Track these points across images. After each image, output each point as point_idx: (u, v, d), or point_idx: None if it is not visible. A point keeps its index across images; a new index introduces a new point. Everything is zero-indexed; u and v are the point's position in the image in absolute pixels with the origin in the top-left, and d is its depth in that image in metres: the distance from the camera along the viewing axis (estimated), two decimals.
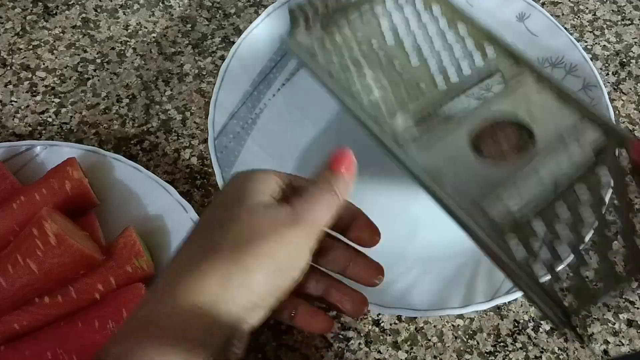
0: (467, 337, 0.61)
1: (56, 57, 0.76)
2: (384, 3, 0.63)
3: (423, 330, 0.62)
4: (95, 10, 0.79)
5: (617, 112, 0.73)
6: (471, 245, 0.63)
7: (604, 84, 0.74)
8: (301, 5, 0.63)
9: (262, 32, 0.70)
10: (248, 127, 0.67)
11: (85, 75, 0.74)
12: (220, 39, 0.77)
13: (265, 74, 0.70)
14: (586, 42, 0.78)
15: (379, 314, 0.62)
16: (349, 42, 0.61)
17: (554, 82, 0.54)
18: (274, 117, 0.69)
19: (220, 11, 0.79)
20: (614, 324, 0.62)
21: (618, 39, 0.78)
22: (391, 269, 0.61)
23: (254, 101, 0.68)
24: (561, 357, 0.61)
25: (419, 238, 0.65)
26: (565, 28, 0.78)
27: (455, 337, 0.61)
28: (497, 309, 0.62)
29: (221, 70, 0.67)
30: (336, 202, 0.44)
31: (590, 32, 0.79)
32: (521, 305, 0.63)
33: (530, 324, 0.62)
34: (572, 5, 0.81)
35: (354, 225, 0.49)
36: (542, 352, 0.61)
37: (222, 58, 0.75)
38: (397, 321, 0.62)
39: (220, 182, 0.63)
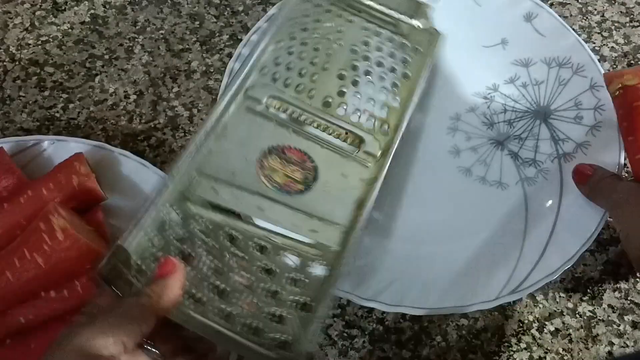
0: (471, 336, 0.61)
1: (64, 53, 0.76)
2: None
3: (427, 329, 0.62)
4: (104, 7, 0.79)
5: None
6: (475, 244, 0.63)
7: None
8: None
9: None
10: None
11: (94, 71, 0.75)
12: (228, 36, 0.77)
13: None
14: (594, 43, 0.78)
15: (384, 313, 0.62)
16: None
17: None
18: None
19: (228, 8, 0.79)
20: (619, 325, 0.62)
21: (626, 41, 0.78)
22: (393, 267, 0.61)
23: None
24: (565, 357, 0.61)
25: (420, 237, 0.64)
26: (573, 29, 0.78)
27: (460, 337, 0.61)
28: (502, 308, 0.63)
29: (226, 74, 0.67)
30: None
31: (598, 33, 0.79)
32: (526, 306, 0.63)
33: (535, 325, 0.62)
34: (580, 6, 0.80)
35: None
36: (546, 352, 0.61)
37: (230, 55, 0.76)
38: (401, 320, 0.62)
39: None
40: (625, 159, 0.62)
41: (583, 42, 0.69)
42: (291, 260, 0.51)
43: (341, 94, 0.60)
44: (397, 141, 0.58)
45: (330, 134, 0.58)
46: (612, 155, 0.63)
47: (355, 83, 0.61)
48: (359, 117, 0.59)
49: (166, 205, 0.50)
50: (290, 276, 0.50)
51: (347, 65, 0.61)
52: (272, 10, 0.70)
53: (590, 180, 0.61)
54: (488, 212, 0.65)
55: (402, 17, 0.66)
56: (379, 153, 0.57)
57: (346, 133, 0.58)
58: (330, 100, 0.59)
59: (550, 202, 0.64)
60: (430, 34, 0.66)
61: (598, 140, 0.65)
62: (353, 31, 0.64)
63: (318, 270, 0.51)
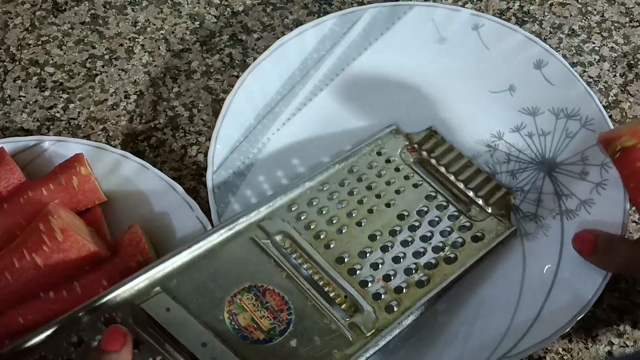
0: None
1: (65, 53, 0.76)
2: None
3: None
4: (104, 7, 0.80)
5: (624, 113, 0.73)
6: (467, 302, 0.60)
7: (611, 86, 0.74)
8: None
9: (270, 64, 0.70)
10: (249, 162, 0.66)
11: (94, 71, 0.75)
12: (228, 36, 0.77)
13: (270, 107, 0.69)
14: (594, 43, 0.78)
15: None
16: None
17: None
18: (276, 153, 0.67)
19: (228, 9, 0.80)
20: (619, 325, 0.62)
21: (626, 41, 0.78)
22: None
23: (257, 135, 0.67)
24: (565, 357, 0.61)
25: None
26: (573, 30, 0.78)
27: None
28: None
29: (226, 102, 0.66)
30: None
31: (598, 33, 0.79)
32: None
33: None
34: (580, 6, 0.80)
35: None
36: (546, 352, 0.61)
37: (230, 55, 0.76)
38: None
39: (215, 219, 0.62)
40: (628, 219, 0.62)
41: (593, 94, 0.67)
42: None
43: (362, 254, 0.57)
44: (399, 327, 0.53)
45: (327, 292, 0.54)
46: (616, 216, 0.62)
47: (385, 249, 0.57)
48: (370, 284, 0.55)
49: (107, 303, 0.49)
50: None
51: (386, 229, 0.59)
52: None
53: (596, 248, 0.58)
54: (484, 269, 0.62)
55: (478, 200, 0.63)
56: (370, 331, 0.52)
57: (345, 296, 0.54)
58: (346, 257, 0.56)
59: (548, 265, 0.62)
60: (501, 225, 0.62)
61: (602, 199, 0.63)
62: (413, 196, 0.61)
63: None
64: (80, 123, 0.71)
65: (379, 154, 0.64)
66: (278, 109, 0.69)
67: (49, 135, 0.69)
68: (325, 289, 0.54)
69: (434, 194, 0.62)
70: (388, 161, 0.63)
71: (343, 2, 0.79)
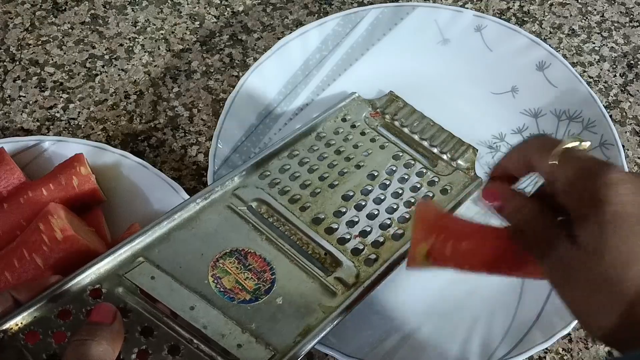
0: None
1: (65, 53, 0.76)
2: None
3: None
4: (104, 7, 0.80)
5: (624, 113, 0.73)
6: (469, 303, 0.61)
7: (611, 85, 0.74)
8: None
9: (273, 63, 0.70)
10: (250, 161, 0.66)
11: (94, 71, 0.75)
12: (228, 36, 0.77)
13: (272, 107, 0.69)
14: (594, 43, 0.78)
15: None
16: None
17: None
18: None
19: (228, 9, 0.80)
20: None
21: (626, 41, 0.78)
22: (383, 324, 0.60)
23: (258, 135, 0.68)
24: (565, 357, 0.61)
25: (412, 292, 0.62)
26: (573, 30, 0.78)
27: None
28: None
29: (227, 102, 0.67)
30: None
31: (598, 33, 0.79)
32: None
33: None
34: (580, 6, 0.80)
35: None
36: (546, 352, 0.61)
37: (230, 55, 0.76)
38: None
39: None
40: None
41: (595, 96, 0.68)
42: None
43: (338, 214, 0.58)
44: (377, 275, 0.55)
45: (307, 251, 0.56)
46: None
47: (359, 207, 0.59)
48: (348, 240, 0.57)
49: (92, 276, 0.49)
50: None
51: (359, 189, 0.60)
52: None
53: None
54: (484, 281, 0.61)
55: (443, 155, 0.65)
56: (352, 283, 0.54)
57: (325, 254, 0.56)
58: (322, 217, 0.58)
59: None
60: (468, 177, 0.64)
61: None
62: (381, 157, 0.63)
63: None
64: (80, 123, 0.71)
65: (343, 120, 0.66)
66: (280, 109, 0.69)
67: (49, 135, 0.69)
68: (306, 249, 0.56)
69: (400, 153, 0.64)
70: (353, 126, 0.65)
71: (343, 2, 0.80)
